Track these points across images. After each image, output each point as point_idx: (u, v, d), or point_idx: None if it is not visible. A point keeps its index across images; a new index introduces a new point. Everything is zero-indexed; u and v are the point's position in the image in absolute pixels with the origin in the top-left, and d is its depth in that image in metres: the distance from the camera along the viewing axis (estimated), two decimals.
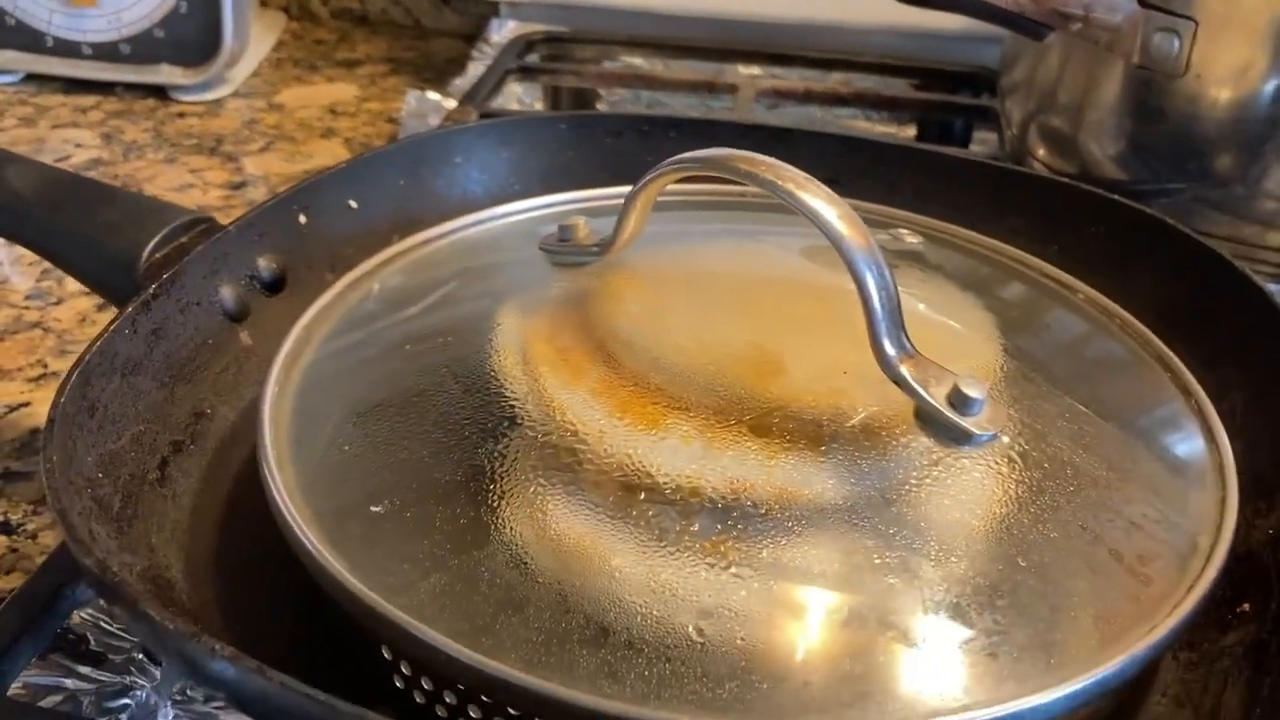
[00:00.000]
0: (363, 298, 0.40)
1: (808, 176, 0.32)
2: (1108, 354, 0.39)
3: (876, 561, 0.28)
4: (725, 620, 0.27)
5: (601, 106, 0.79)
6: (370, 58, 0.87)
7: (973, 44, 0.76)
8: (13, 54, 0.77)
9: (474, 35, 0.85)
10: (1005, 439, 0.31)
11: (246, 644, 0.27)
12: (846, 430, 0.31)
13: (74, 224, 0.41)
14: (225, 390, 0.39)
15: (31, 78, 0.78)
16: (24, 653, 0.32)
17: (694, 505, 0.29)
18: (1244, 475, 0.33)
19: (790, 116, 0.74)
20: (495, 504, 0.30)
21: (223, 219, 0.42)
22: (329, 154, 0.72)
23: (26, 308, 0.55)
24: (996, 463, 0.31)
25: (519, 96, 0.75)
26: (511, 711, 0.28)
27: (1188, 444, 0.34)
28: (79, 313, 0.55)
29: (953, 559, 0.29)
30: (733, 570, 0.28)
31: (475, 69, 0.77)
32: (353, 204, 0.45)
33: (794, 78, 0.76)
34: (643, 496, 0.29)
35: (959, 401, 0.31)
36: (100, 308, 0.55)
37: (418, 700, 0.30)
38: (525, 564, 0.28)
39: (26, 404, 0.49)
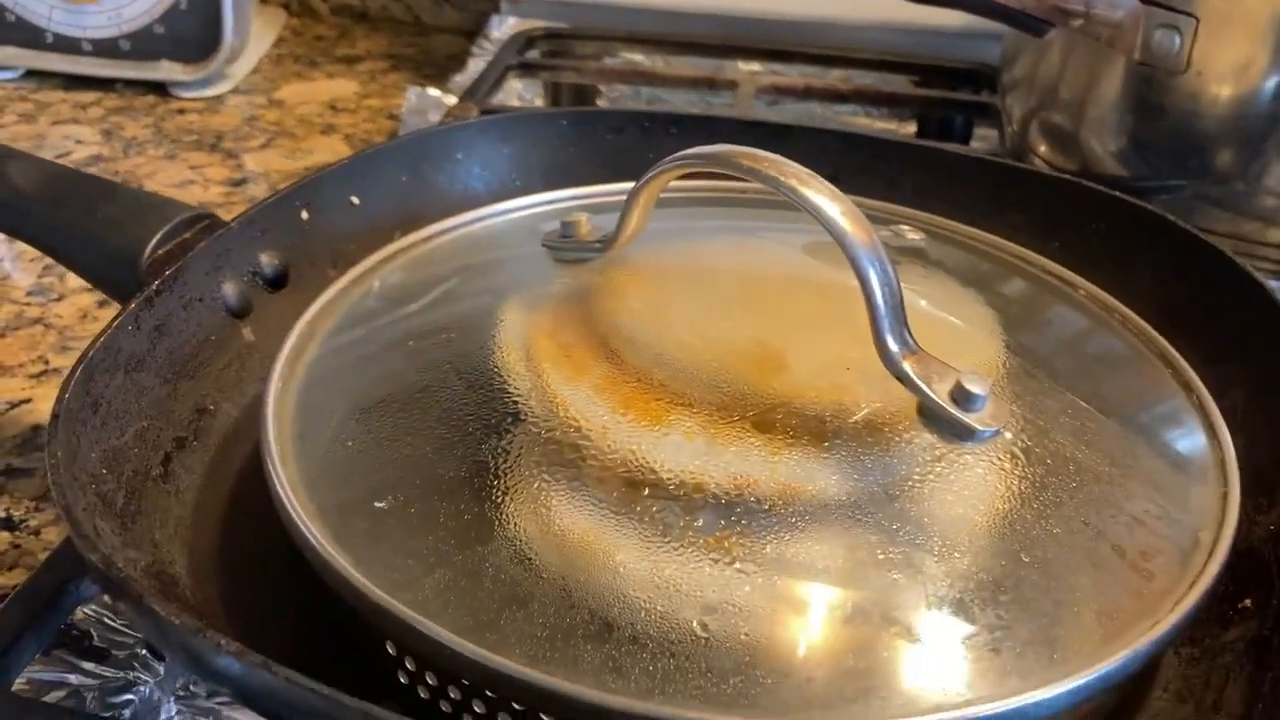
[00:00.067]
0: (365, 294, 0.40)
1: (811, 173, 0.32)
2: (1109, 350, 0.39)
3: (879, 557, 0.28)
4: (729, 616, 0.27)
5: (602, 103, 0.78)
6: (370, 54, 0.87)
7: (973, 40, 0.76)
8: (13, 50, 0.77)
9: (474, 31, 0.85)
10: (1008, 435, 0.31)
11: (250, 640, 0.27)
12: (849, 426, 0.31)
13: (76, 220, 0.41)
14: (228, 386, 0.39)
15: (31, 74, 0.78)
16: (27, 649, 0.33)
17: (697, 501, 0.29)
18: (1245, 471, 0.33)
19: (790, 113, 0.74)
20: (499, 500, 0.30)
21: (224, 215, 0.42)
22: (329, 150, 0.72)
23: (28, 304, 0.55)
24: (999, 459, 0.31)
25: (519, 93, 0.75)
26: (516, 707, 0.28)
27: (1189, 440, 0.34)
28: (80, 309, 0.55)
29: (956, 554, 0.29)
30: (736, 566, 0.28)
31: (475, 65, 0.77)
32: (354, 200, 0.45)
33: (794, 74, 0.76)
34: (646, 492, 0.29)
35: (962, 397, 0.31)
36: (101, 304, 0.55)
37: (422, 696, 0.30)
38: (529, 560, 0.28)
39: (28, 400, 0.49)
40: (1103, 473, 0.32)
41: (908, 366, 0.31)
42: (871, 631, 0.27)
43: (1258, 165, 0.52)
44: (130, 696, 0.33)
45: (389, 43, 0.89)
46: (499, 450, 0.31)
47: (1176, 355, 0.37)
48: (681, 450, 0.30)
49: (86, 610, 0.35)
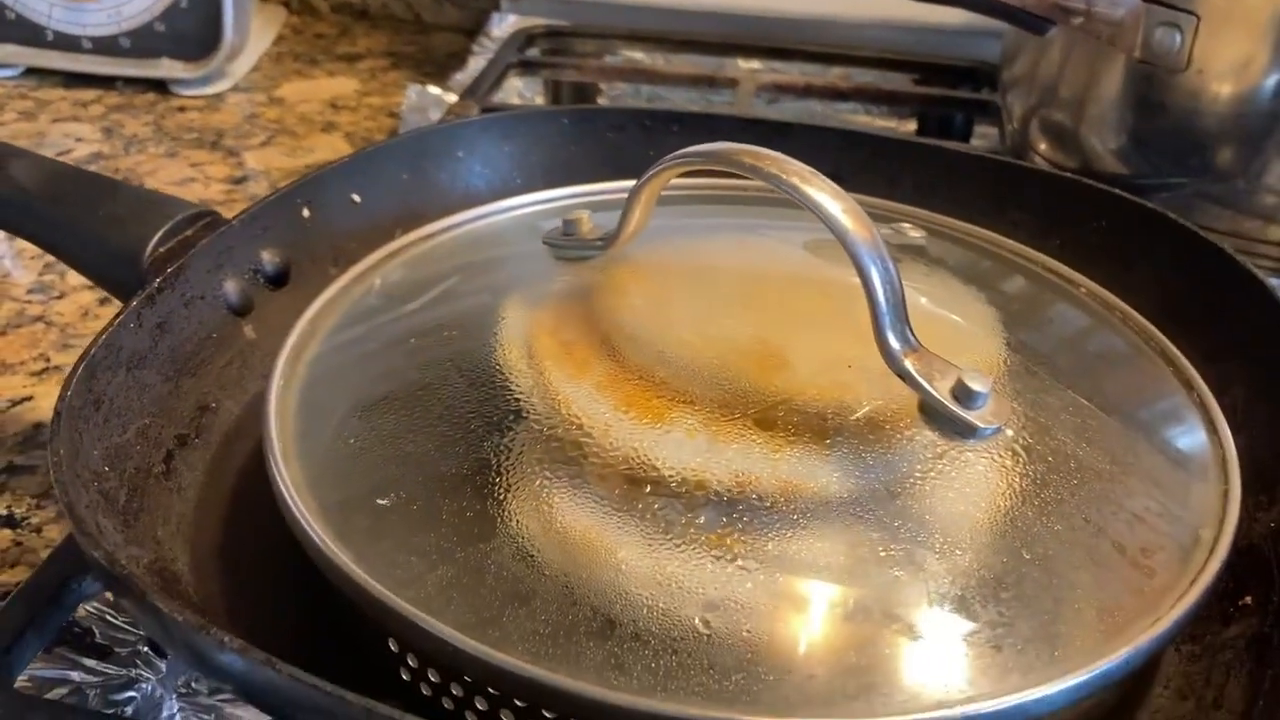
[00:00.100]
0: (366, 292, 0.40)
1: (812, 170, 0.32)
2: (1110, 348, 0.39)
3: (881, 554, 0.28)
4: (731, 613, 0.27)
5: (602, 101, 0.79)
6: (371, 52, 0.87)
7: (973, 38, 0.76)
8: (13, 48, 0.77)
9: (474, 30, 0.85)
10: (1009, 432, 0.31)
11: (252, 637, 0.27)
12: (851, 424, 0.31)
13: (77, 218, 0.41)
14: (229, 384, 0.39)
15: (32, 72, 0.78)
16: (30, 646, 0.33)
17: (699, 498, 0.29)
18: (1246, 468, 0.33)
19: (790, 111, 0.74)
20: (501, 497, 0.30)
21: (224, 213, 0.42)
22: (330, 148, 0.72)
23: (29, 302, 0.55)
24: (1000, 456, 0.31)
25: (519, 91, 0.75)
26: (518, 703, 0.28)
27: (1190, 437, 0.34)
28: (81, 307, 0.55)
29: (957, 552, 0.29)
30: (738, 563, 0.28)
31: (476, 63, 0.77)
32: (356, 198, 0.45)
33: (794, 72, 0.76)
34: (648, 490, 0.29)
35: (963, 395, 0.31)
36: (103, 301, 0.55)
37: (425, 692, 0.30)
38: (532, 557, 0.29)
39: (29, 398, 0.49)
40: (1104, 470, 0.32)
41: (909, 364, 0.31)
42: (873, 628, 0.27)
43: (1258, 163, 0.52)
44: (132, 694, 0.33)
45: (389, 41, 0.89)
46: (501, 448, 0.31)
47: (1177, 353, 0.37)
48: (683, 448, 0.30)
49: (89, 607, 0.35)
